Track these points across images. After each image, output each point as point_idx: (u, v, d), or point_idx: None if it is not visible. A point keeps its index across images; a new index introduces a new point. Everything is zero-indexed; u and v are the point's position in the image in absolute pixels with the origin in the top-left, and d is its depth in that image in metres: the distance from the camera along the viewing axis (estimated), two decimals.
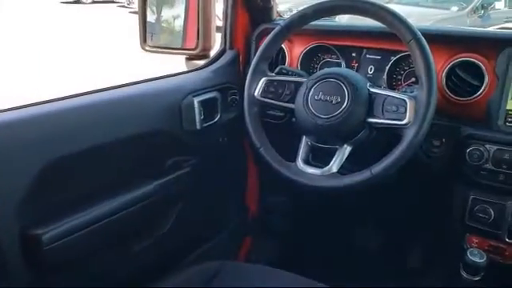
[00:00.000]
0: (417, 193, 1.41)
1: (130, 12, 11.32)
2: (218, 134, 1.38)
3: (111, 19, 10.74)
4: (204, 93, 1.29)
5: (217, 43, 1.38)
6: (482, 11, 6.61)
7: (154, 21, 1.37)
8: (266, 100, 1.14)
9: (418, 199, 1.43)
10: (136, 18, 1.34)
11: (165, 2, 1.41)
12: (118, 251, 1.15)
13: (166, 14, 1.40)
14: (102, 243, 1.08)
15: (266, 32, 1.38)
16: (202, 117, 1.27)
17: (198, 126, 1.26)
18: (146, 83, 1.21)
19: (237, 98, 1.39)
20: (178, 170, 1.26)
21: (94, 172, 1.05)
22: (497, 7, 7.21)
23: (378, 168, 0.98)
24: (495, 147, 1.07)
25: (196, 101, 1.25)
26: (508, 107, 1.07)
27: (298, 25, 1.14)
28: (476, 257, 1.09)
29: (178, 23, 1.37)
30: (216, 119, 1.33)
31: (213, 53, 1.40)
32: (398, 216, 1.58)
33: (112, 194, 1.09)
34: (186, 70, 1.38)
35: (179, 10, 1.36)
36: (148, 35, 1.34)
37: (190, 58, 1.39)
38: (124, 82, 1.17)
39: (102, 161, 1.06)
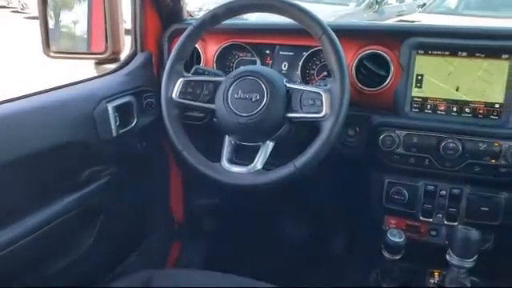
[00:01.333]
0: (337, 181, 1.46)
1: (26, 17, 10.58)
2: (136, 139, 1.33)
3: (4, 26, 9.96)
4: (118, 98, 1.24)
5: (127, 46, 1.34)
6: (377, 6, 7.05)
7: (53, 26, 1.29)
8: (185, 101, 1.12)
9: (339, 187, 1.49)
10: (33, 24, 1.25)
11: (66, 6, 1.33)
12: (41, 270, 1.07)
13: (68, 17, 1.32)
14: (21, 264, 1.01)
15: (177, 32, 1.36)
16: (118, 123, 1.22)
17: (114, 133, 1.21)
18: (53, 92, 1.14)
19: (153, 101, 1.35)
20: (96, 181, 1.20)
21: (6, 190, 0.97)
22: (389, 2, 7.77)
23: (301, 161, 1.00)
24: (404, 132, 1.14)
25: (110, 107, 1.19)
26: (413, 94, 1.15)
27: (210, 24, 1.13)
28: (396, 237, 1.15)
29: (82, 27, 1.31)
30: (133, 124, 1.28)
31: (123, 56, 1.35)
32: (321, 205, 1.64)
33: (29, 211, 1.01)
34: (96, 75, 1.31)
35: (82, 13, 1.30)
36: (51, 40, 1.26)
37: (99, 63, 1.33)
38: (28, 93, 1.09)
39: (15, 177, 0.98)
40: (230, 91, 1.06)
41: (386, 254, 1.18)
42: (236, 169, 1.05)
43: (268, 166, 1.05)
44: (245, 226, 1.68)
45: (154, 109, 1.34)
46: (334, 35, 1.00)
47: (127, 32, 1.30)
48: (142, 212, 1.49)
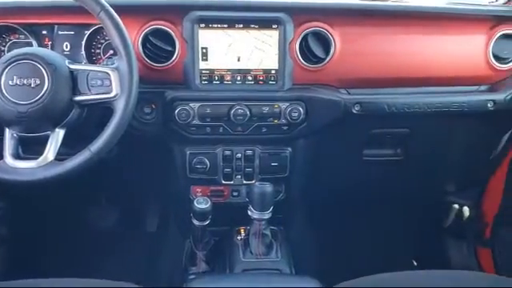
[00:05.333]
0: (142, 159, 1.45)
1: None
2: None
3: None
4: None
5: None
6: None
7: None
8: None
9: (145, 165, 1.49)
10: None
11: None
12: None
13: None
14: None
15: None
16: None
17: None
18: None
19: None
20: None
21: None
22: None
23: (97, 145, 0.97)
24: (198, 104, 1.19)
25: None
26: (201, 67, 1.19)
27: None
28: (202, 204, 1.21)
29: None
30: None
31: None
32: (131, 186, 1.61)
33: None
34: None
35: None
36: None
37: None
38: None
39: None
40: (3, 78, 0.95)
41: (196, 222, 1.23)
42: (23, 164, 0.96)
43: (62, 156, 0.98)
44: (49, 225, 1.55)
45: None
46: (112, 11, 0.97)
47: None
48: None
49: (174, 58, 1.18)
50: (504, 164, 1.45)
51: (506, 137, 1.41)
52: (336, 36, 1.20)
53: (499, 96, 1.27)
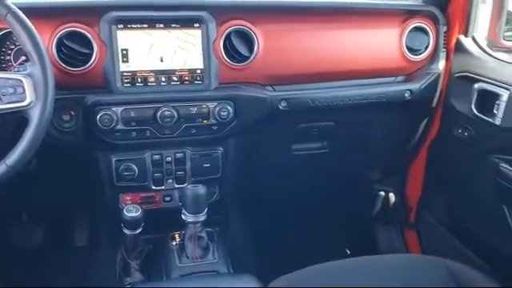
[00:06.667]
0: (65, 171, 1.37)
1: None
2: None
3: None
4: None
5: None
6: None
7: None
8: None
9: (69, 177, 1.41)
10: None
11: None
12: None
13: None
14: None
15: None
16: None
17: None
18: None
19: None
20: None
21: None
22: None
23: (12, 158, 0.90)
24: (121, 108, 1.14)
25: None
26: (122, 69, 1.15)
27: None
28: (132, 212, 1.17)
29: None
30: None
31: None
32: (53, 200, 1.52)
33: None
34: None
35: None
36: None
37: None
38: None
39: None
40: None
41: (127, 231, 1.19)
42: None
43: None
44: None
45: None
46: (20, 14, 0.91)
47: None
48: None
49: (92, 62, 1.12)
50: (423, 150, 1.53)
51: (422, 124, 1.49)
52: (259, 34, 1.21)
53: (415, 86, 1.34)
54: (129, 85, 1.16)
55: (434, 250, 1.53)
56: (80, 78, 1.13)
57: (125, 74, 1.15)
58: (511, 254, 1.17)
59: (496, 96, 1.17)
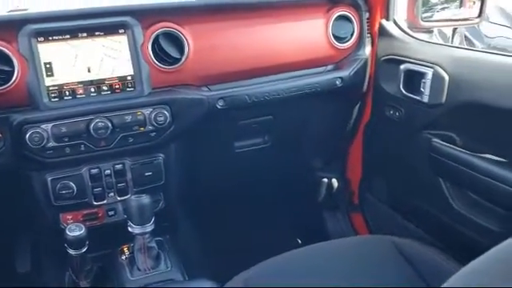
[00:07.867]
0: (2, 193, 1.29)
1: None
2: None
3: None
4: None
5: None
6: None
7: None
8: None
9: (4, 200, 1.32)
10: None
11: None
12: None
13: None
14: None
15: None
16: None
17: None
18: None
19: None
20: None
21: None
22: None
23: None
24: (50, 125, 1.09)
25: None
26: (47, 84, 1.09)
27: None
28: (75, 231, 1.11)
29: None
30: None
31: None
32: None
33: None
34: None
35: None
36: None
37: None
38: None
39: None
40: None
41: (72, 251, 1.13)
42: None
43: None
44: None
45: None
46: None
47: None
48: None
49: (14, 79, 1.06)
50: (359, 134, 1.58)
51: (356, 109, 1.54)
52: (188, 35, 1.19)
53: (344, 73, 1.38)
54: (56, 99, 1.11)
55: (380, 228, 1.58)
56: (3, 97, 1.07)
57: (51, 88, 1.10)
58: (450, 223, 1.23)
59: (421, 75, 1.23)
